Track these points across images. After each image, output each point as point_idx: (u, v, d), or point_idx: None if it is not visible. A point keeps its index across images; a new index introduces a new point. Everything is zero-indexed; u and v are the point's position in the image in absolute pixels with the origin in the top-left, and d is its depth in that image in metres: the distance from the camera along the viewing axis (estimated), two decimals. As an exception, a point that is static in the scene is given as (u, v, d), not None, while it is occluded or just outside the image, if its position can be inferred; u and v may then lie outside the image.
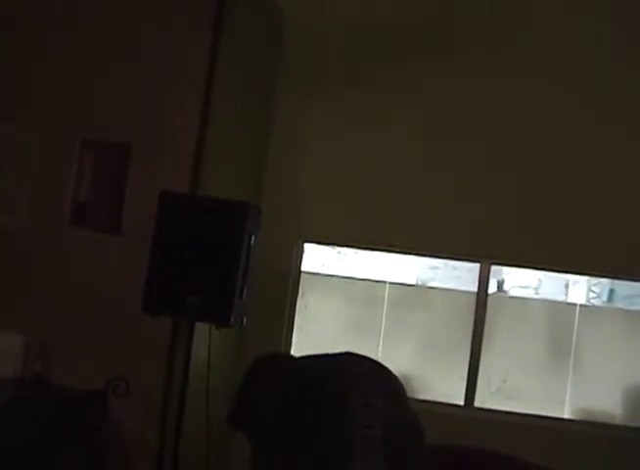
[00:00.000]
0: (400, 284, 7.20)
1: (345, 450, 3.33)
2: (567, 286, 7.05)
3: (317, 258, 7.30)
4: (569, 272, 6.98)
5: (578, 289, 7.05)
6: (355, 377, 3.50)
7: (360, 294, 7.23)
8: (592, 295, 7.05)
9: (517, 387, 6.89)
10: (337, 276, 7.30)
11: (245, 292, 5.23)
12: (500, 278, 7.06)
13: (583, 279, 7.04)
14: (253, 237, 5.27)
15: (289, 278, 7.12)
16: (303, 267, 7.22)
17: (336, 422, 3.37)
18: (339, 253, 7.34)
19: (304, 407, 3.37)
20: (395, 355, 7.07)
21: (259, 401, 3.38)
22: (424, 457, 3.71)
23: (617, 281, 6.98)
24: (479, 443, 5.58)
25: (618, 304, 7.02)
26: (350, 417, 3.36)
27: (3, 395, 5.27)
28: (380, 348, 7.08)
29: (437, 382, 7.04)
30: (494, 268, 6.99)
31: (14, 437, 4.95)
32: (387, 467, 3.35)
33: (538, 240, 6.79)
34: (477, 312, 6.92)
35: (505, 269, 7.07)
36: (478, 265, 6.98)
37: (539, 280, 7.07)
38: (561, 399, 6.84)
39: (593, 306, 7.04)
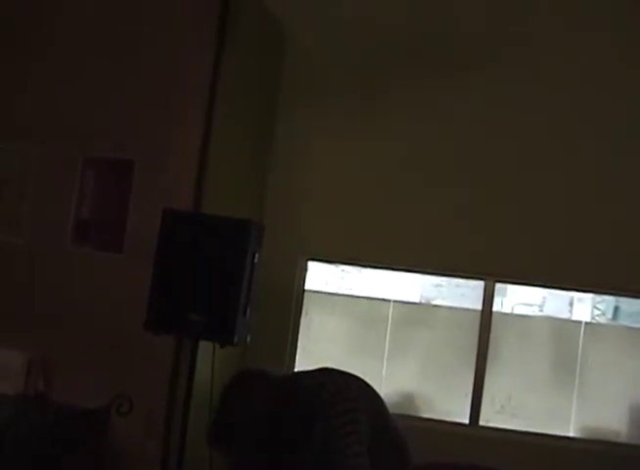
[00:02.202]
0: (404, 302, 7.18)
1: (334, 464, 3.31)
2: (571, 303, 7.03)
3: (321, 276, 7.28)
4: (573, 290, 6.95)
5: (583, 306, 7.03)
6: (339, 393, 3.49)
7: (364, 312, 7.20)
8: (597, 312, 7.03)
9: (522, 405, 6.85)
10: (340, 294, 7.28)
11: (248, 310, 5.21)
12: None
13: (588, 297, 7.03)
14: (257, 255, 5.25)
15: (292, 296, 7.10)
16: (307, 285, 7.20)
17: (323, 438, 3.35)
18: (342, 271, 7.32)
19: (290, 425, 3.34)
20: (400, 374, 7.05)
21: (242, 421, 3.35)
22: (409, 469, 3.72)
23: (621, 298, 6.96)
24: (483, 461, 5.54)
25: (623, 321, 7.00)
26: (337, 432, 3.35)
27: (4, 412, 5.25)
28: (384, 366, 7.05)
29: (442, 400, 7.01)
30: (499, 286, 6.97)
31: (14, 454, 4.93)
32: None
33: (542, 257, 6.76)
34: (481, 330, 6.88)
35: (509, 287, 7.05)
36: (482, 283, 6.95)
37: (544, 298, 7.05)
38: (566, 418, 6.80)
39: (598, 324, 7.02)
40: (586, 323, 6.96)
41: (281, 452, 3.32)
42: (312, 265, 7.23)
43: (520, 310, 7.10)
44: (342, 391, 3.51)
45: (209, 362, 5.35)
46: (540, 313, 7.07)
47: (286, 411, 3.35)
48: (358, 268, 7.29)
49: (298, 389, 3.48)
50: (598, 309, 7.03)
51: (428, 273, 7.15)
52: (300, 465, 3.38)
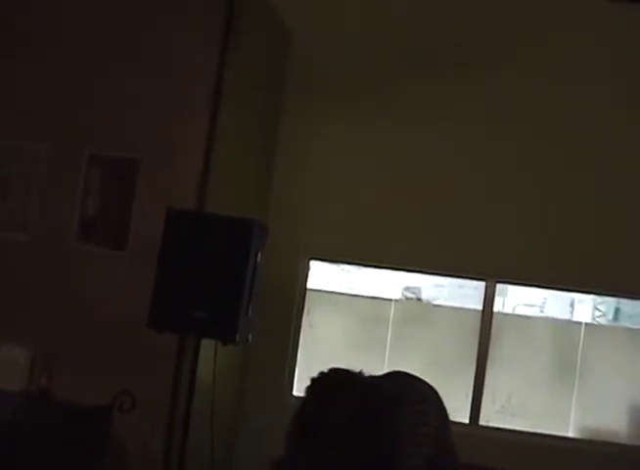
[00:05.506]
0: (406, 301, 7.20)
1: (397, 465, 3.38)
2: (572, 304, 7.05)
3: (322, 275, 7.30)
4: (574, 291, 6.97)
5: (584, 307, 7.04)
6: (417, 402, 3.58)
7: (366, 311, 7.22)
8: (597, 313, 7.05)
9: (522, 405, 6.88)
10: (342, 293, 7.29)
11: (250, 309, 5.24)
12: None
13: (589, 298, 7.04)
14: (259, 254, 5.28)
15: (294, 295, 7.12)
16: (309, 284, 7.23)
17: (392, 442, 3.41)
18: (343, 270, 7.34)
19: (370, 428, 3.40)
20: (400, 373, 7.06)
21: (322, 422, 3.39)
22: None
23: (622, 300, 6.97)
24: (483, 461, 5.56)
25: (624, 322, 7.02)
26: (405, 436, 3.43)
27: (8, 408, 5.27)
28: (385, 365, 7.06)
29: (442, 399, 7.02)
30: (500, 287, 6.99)
31: (17, 451, 4.95)
32: None
33: (544, 258, 6.78)
34: (482, 330, 6.91)
35: (510, 288, 7.07)
36: (483, 283, 6.97)
37: (544, 298, 7.07)
38: (565, 418, 6.82)
39: (598, 325, 7.03)
40: (587, 324, 6.98)
41: (359, 456, 3.38)
42: (314, 265, 7.26)
43: (521, 311, 7.12)
44: (420, 402, 3.61)
45: (212, 361, 5.37)
46: (541, 314, 7.09)
47: (362, 417, 3.41)
48: (360, 268, 7.30)
49: (382, 393, 3.55)
50: (599, 310, 7.05)
51: (429, 273, 7.16)
52: (375, 466, 3.44)
